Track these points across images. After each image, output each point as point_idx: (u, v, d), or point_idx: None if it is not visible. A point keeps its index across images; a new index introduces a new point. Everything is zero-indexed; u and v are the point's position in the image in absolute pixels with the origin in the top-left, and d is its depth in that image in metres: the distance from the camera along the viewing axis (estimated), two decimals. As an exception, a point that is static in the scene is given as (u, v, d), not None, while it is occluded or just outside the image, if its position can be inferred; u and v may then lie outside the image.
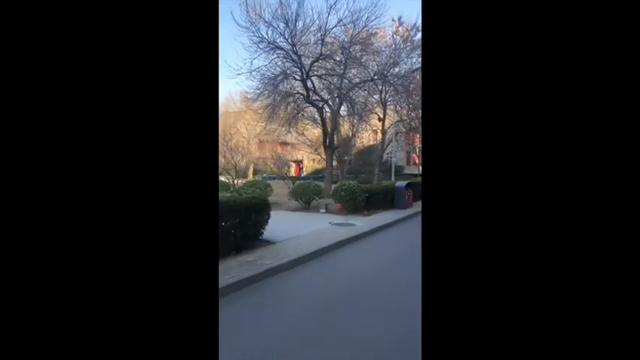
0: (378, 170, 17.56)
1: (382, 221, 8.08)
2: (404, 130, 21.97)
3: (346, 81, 12.80)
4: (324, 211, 9.33)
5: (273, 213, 5.76)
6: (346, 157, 19.66)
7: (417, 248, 6.10)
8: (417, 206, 10.85)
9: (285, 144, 28.37)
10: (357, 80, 13.15)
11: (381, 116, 17.47)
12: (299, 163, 34.98)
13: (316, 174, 29.38)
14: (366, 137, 25.45)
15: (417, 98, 19.64)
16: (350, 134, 20.42)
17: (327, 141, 12.61)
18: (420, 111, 19.90)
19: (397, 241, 6.50)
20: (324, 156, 23.50)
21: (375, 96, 17.23)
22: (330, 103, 14.39)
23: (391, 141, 16.86)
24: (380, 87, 16.16)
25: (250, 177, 29.48)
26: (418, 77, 17.34)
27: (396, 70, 15.75)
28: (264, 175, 31.19)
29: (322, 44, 9.95)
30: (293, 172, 36.54)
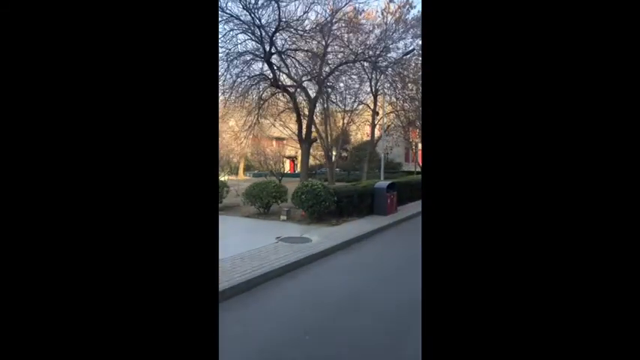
0: (367, 167, 15.55)
1: (352, 233, 6.13)
2: (400, 124, 19.92)
3: (333, 65, 10.82)
4: (284, 218, 7.40)
5: (221, 220, 3.89)
6: (334, 153, 17.63)
7: (391, 281, 3.80)
8: (404, 211, 8.85)
9: (280, 139, 26.49)
10: (339, 62, 11.12)
11: (373, 107, 15.45)
12: (293, 159, 33.04)
13: (310, 171, 27.57)
14: (364, 131, 23.43)
15: (414, 88, 17.62)
16: (341, 127, 18.44)
17: (304, 133, 10.66)
18: (417, 102, 17.89)
19: (364, 268, 4.52)
20: (314, 152, 21.59)
21: (365, 84, 15.26)
22: (312, 90, 12.41)
23: (381, 137, 14.80)
24: (370, 74, 14.14)
25: (241, 175, 27.66)
26: (413, 64, 15.31)
27: (388, 55, 13.72)
28: (255, 172, 29.43)
29: (278, 6, 7.90)
30: (287, 168, 34.72)
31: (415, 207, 9.74)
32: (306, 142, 10.55)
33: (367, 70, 14.17)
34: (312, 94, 11.01)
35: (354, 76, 14.31)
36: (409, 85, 16.64)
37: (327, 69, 11.15)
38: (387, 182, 8.26)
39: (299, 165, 33.15)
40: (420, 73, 17.23)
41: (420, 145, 20.17)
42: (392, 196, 8.29)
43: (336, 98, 14.44)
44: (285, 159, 33.26)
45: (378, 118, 14.55)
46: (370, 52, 12.66)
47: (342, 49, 11.67)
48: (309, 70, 11.17)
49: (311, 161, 26.43)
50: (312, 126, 16.89)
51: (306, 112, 11.25)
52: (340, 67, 14.41)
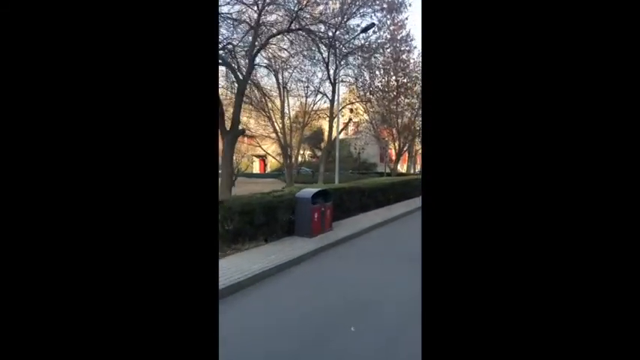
0: (325, 167, 12.92)
1: (219, 281, 3.45)
2: (368, 120, 17.41)
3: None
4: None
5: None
6: (297, 151, 14.97)
7: None
8: (344, 227, 6.23)
9: (251, 137, 23.66)
10: (276, 32, 8.47)
11: (331, 98, 12.84)
12: (264, 158, 30.16)
13: (280, 171, 24.93)
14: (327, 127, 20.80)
15: (383, 79, 15.11)
16: (304, 122, 15.81)
17: (230, 124, 7.96)
18: (389, 95, 15.40)
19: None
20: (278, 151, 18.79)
21: (321, 69, 12.73)
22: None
23: (339, 133, 12.14)
24: (327, 58, 11.53)
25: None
26: (380, 48, 12.80)
27: (348, 35, 11.16)
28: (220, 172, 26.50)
29: None
30: (257, 168, 31.87)
31: (366, 220, 7.14)
32: (229, 133, 7.84)
33: (323, 53, 11.59)
34: (239, 71, 8.32)
35: (305, 59, 11.74)
36: (377, 73, 14.16)
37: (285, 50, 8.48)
38: (315, 190, 5.60)
39: (269, 164, 30.36)
40: (390, 61, 14.79)
41: (390, 145, 17.68)
42: (322, 209, 5.65)
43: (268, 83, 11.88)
44: (254, 158, 30.48)
45: (336, 111, 11.94)
46: (323, 28, 10.06)
47: (284, 19, 9.04)
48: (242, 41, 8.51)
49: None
50: (281, 121, 14.26)
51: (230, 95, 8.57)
52: (293, 50, 11.80)
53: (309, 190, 5.55)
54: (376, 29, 11.07)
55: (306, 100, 15.13)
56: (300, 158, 24.09)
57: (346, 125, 16.60)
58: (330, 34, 10.09)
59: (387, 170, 17.46)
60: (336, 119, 11.87)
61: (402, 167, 23.48)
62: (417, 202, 10.41)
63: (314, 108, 15.47)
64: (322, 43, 10.15)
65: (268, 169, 29.67)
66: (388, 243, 5.64)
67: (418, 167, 28.74)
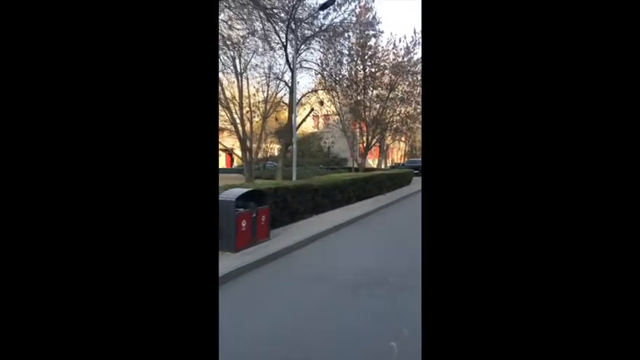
0: (283, 163, 11.69)
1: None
2: (336, 112, 16.31)
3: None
4: None
5: None
6: (251, 144, 13.60)
7: None
8: (289, 234, 5.07)
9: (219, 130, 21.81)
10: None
11: (290, 86, 11.56)
12: (230, 152, 28.44)
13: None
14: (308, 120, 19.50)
15: (347, 67, 14.00)
16: (264, 112, 14.43)
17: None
18: (356, 85, 14.33)
19: None
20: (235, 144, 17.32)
21: (279, 53, 11.50)
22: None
23: (299, 124, 10.92)
24: (284, 40, 10.26)
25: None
26: (346, 32, 11.68)
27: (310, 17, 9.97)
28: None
29: None
30: (224, 163, 30.07)
31: (317, 224, 5.98)
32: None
33: (281, 35, 10.31)
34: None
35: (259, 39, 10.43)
36: (343, 60, 13.02)
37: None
38: (243, 190, 4.38)
39: (235, 159, 28.66)
40: (357, 48, 13.69)
41: (360, 139, 16.68)
42: (253, 215, 4.44)
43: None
44: (220, 152, 28.70)
45: (296, 101, 10.71)
46: (278, 4, 8.78)
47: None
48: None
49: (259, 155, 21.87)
50: (239, 110, 12.80)
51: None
52: (246, 30, 10.42)
53: (234, 191, 4.31)
54: (337, 7, 9.88)
55: (268, 88, 13.78)
56: (269, 152, 22.66)
57: (307, 116, 15.38)
58: (286, 10, 8.84)
59: (355, 165, 16.48)
60: (297, 109, 10.65)
61: (373, 162, 22.66)
62: (380, 200, 9.44)
63: (278, 97, 14.14)
64: (275, 19, 8.86)
65: (235, 164, 27.96)
66: (338, 255, 4.54)
67: (390, 162, 28.11)
